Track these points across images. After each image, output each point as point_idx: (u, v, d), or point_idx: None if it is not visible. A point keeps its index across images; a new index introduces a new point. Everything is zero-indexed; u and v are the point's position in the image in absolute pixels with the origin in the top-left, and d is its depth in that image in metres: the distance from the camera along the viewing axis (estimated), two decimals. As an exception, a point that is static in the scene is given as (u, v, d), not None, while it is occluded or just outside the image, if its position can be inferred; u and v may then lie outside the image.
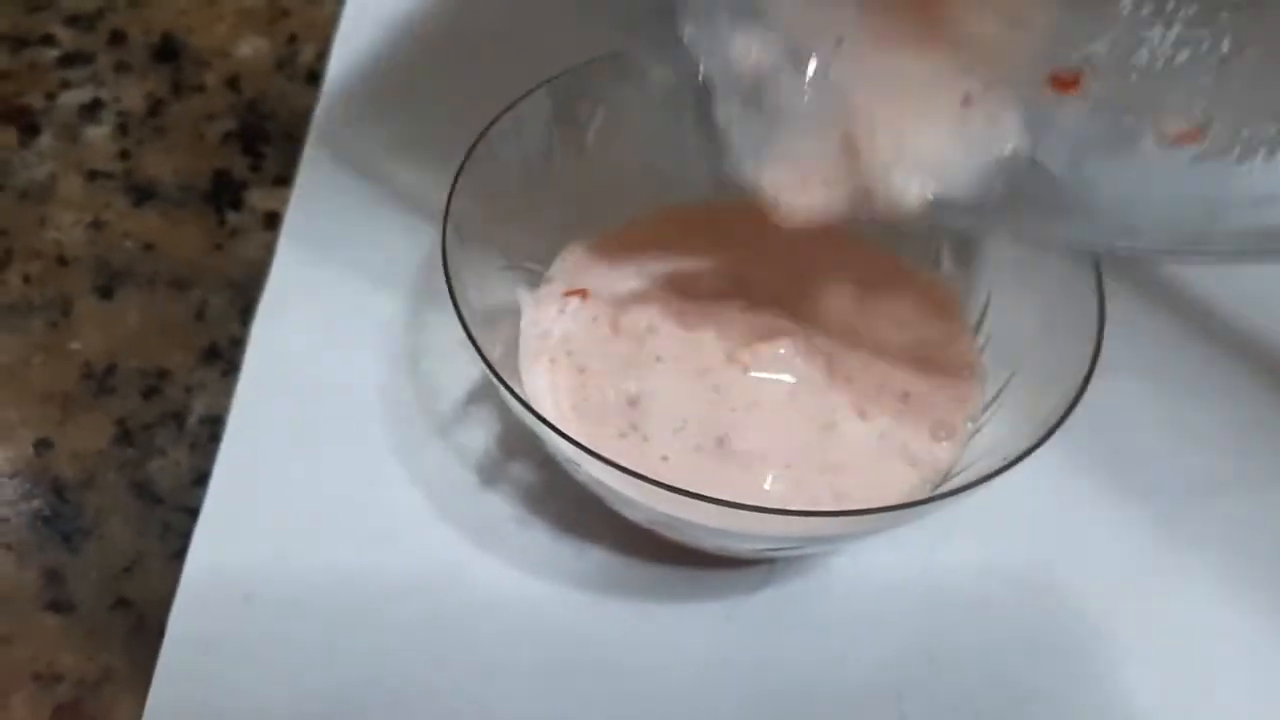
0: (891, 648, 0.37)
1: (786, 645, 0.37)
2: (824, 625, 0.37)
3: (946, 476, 0.35)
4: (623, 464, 0.32)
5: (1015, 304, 0.38)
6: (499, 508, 0.39)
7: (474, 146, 0.37)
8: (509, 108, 0.38)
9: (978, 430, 0.36)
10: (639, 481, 0.30)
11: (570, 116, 0.40)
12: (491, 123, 0.38)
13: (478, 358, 0.33)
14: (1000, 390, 0.37)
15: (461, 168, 0.36)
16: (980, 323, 0.39)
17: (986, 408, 0.37)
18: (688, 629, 0.37)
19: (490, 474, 0.40)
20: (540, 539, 0.38)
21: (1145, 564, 0.39)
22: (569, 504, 0.38)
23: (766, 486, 0.34)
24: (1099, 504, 0.39)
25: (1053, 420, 0.31)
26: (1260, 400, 0.42)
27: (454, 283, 0.34)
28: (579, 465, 0.32)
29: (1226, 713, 0.36)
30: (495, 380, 0.32)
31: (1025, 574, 0.38)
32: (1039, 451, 0.31)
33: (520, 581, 0.38)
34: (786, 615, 0.37)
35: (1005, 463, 0.31)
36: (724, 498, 0.32)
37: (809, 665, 0.37)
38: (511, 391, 0.32)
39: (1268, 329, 0.44)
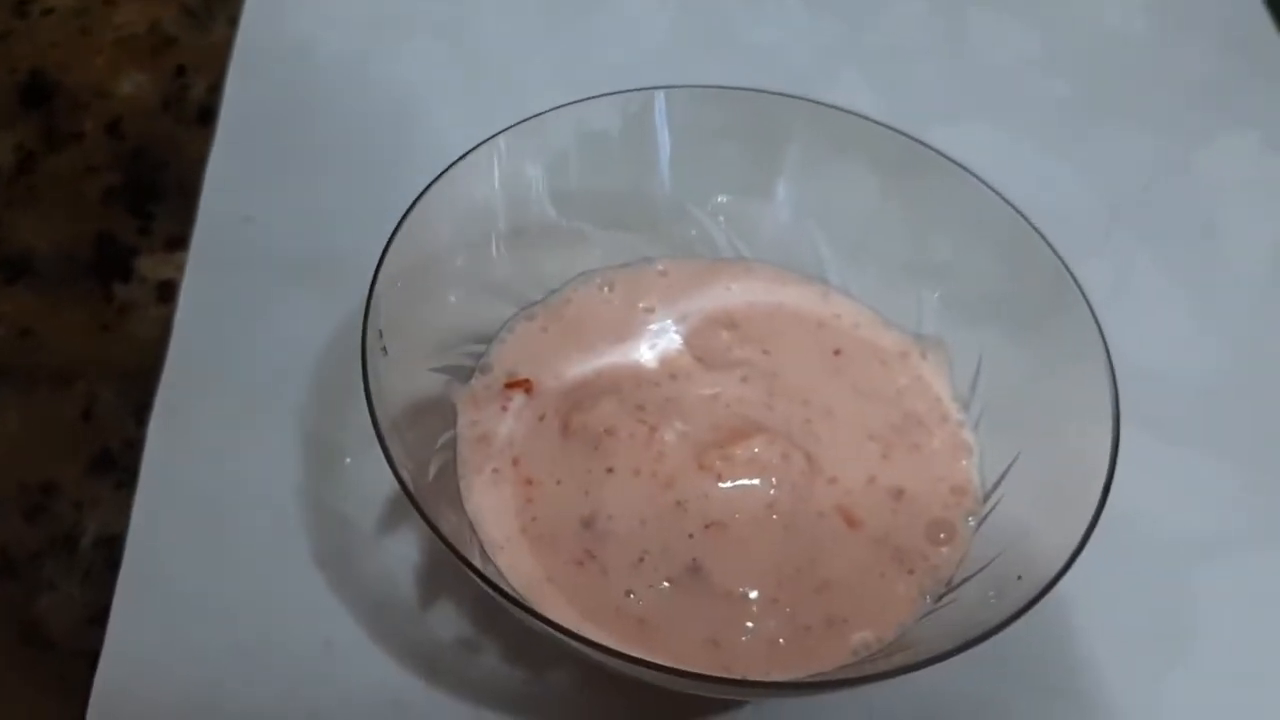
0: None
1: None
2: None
3: (949, 584, 0.31)
4: (583, 599, 0.28)
5: (1011, 368, 0.34)
6: (443, 629, 0.34)
7: (405, 215, 0.32)
8: (447, 169, 0.33)
9: (980, 525, 0.32)
10: (620, 659, 0.26)
11: (517, 175, 0.35)
12: (427, 187, 0.33)
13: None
14: (1001, 477, 0.33)
15: (391, 239, 0.32)
16: (973, 392, 0.35)
17: (987, 498, 0.33)
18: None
19: (431, 587, 0.35)
20: (491, 665, 0.34)
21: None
22: (522, 624, 0.34)
23: (751, 624, 0.30)
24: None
25: (1074, 542, 0.27)
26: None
27: (374, 398, 0.29)
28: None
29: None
30: (442, 542, 0.27)
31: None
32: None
33: (471, 716, 0.33)
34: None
35: (1019, 606, 0.27)
36: (702, 637, 0.28)
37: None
38: (468, 565, 0.27)
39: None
